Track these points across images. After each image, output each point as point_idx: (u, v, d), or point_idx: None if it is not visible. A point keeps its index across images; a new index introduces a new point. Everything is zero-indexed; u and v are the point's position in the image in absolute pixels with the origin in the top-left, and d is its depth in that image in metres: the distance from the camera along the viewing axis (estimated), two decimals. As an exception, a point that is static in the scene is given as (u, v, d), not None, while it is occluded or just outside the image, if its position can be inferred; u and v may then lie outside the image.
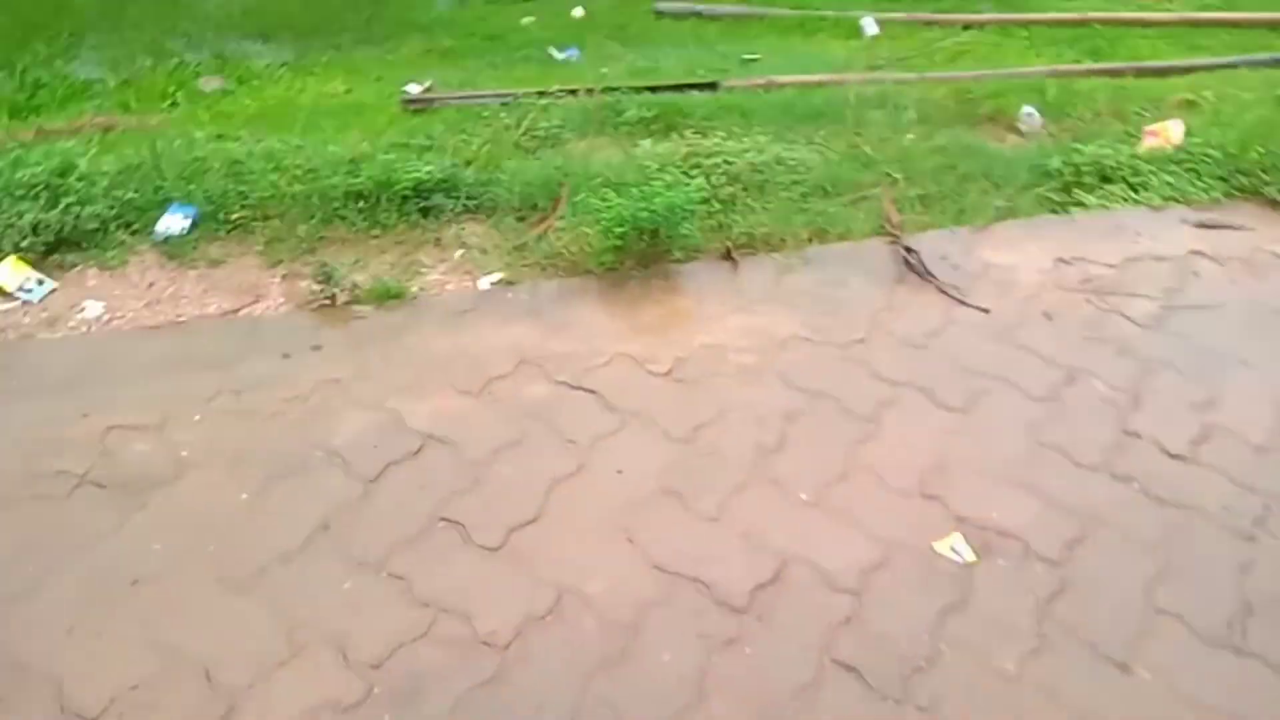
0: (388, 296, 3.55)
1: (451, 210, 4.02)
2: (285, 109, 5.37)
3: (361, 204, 3.93)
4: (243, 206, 3.92)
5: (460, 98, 5.22)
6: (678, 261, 3.81)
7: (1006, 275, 3.85)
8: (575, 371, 3.21)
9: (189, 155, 4.12)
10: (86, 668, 2.24)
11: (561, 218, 4.00)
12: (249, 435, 2.91)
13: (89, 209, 3.74)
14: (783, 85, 5.47)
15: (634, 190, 3.73)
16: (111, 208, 3.81)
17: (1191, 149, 4.62)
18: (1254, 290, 3.82)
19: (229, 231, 3.84)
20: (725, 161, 4.35)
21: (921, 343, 3.44)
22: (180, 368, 3.18)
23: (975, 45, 6.61)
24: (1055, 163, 4.56)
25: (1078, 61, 6.23)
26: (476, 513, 2.66)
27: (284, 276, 3.65)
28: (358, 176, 3.97)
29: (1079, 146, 4.67)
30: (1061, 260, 3.95)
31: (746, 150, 4.49)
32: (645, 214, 3.62)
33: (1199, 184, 4.46)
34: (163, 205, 3.86)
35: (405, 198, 3.96)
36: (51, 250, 3.67)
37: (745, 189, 4.23)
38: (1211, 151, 4.58)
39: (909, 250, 3.92)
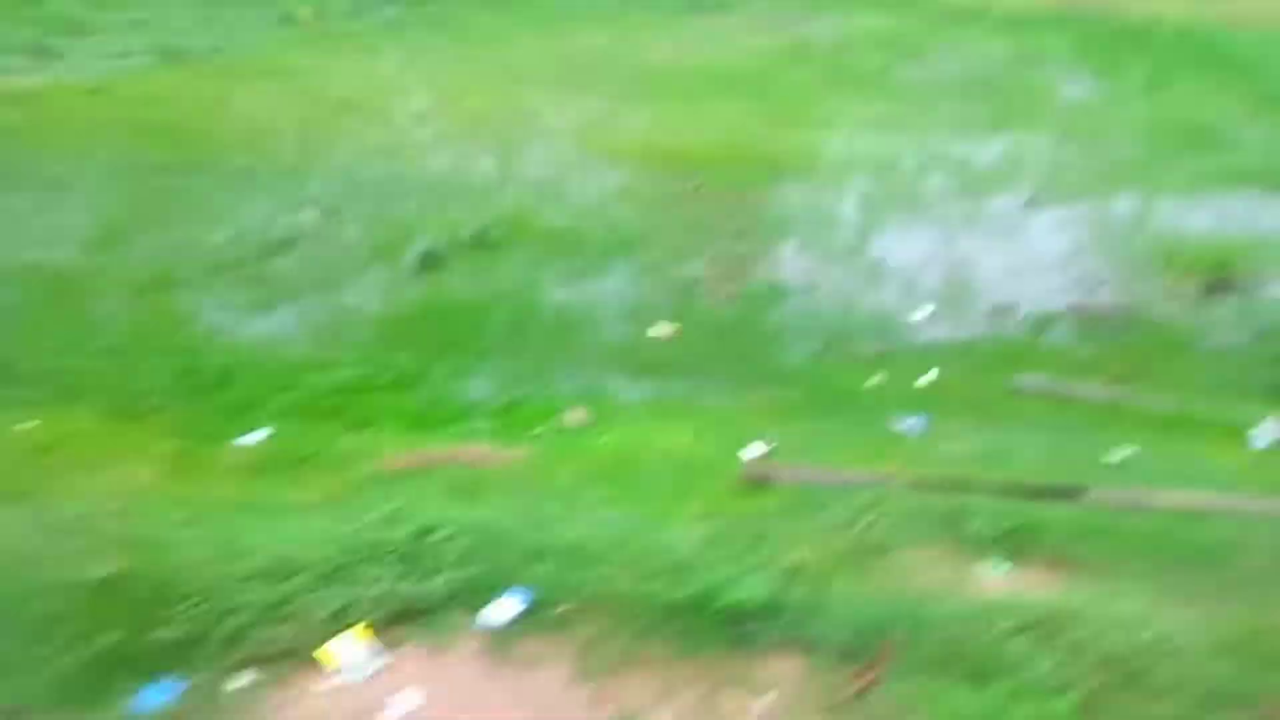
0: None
1: (767, 641, 3.79)
2: (633, 457, 5.65)
3: (678, 623, 3.83)
4: (573, 598, 3.97)
5: (797, 478, 5.18)
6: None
7: None
8: None
9: (537, 534, 4.32)
10: None
11: (883, 677, 3.59)
12: None
13: (438, 579, 3.99)
14: (1158, 505, 4.77)
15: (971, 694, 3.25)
16: (456, 581, 4.01)
17: None
18: None
19: (552, 628, 3.88)
20: (1092, 635, 3.71)
21: None
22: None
23: None
24: None
25: None
26: None
27: (589, 699, 3.59)
28: (679, 588, 3.92)
29: None
30: None
31: (1118, 617, 3.82)
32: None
33: None
34: (501, 587, 4.00)
35: (720, 621, 3.81)
36: (393, 621, 3.85)
37: (1116, 684, 3.52)
38: None
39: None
